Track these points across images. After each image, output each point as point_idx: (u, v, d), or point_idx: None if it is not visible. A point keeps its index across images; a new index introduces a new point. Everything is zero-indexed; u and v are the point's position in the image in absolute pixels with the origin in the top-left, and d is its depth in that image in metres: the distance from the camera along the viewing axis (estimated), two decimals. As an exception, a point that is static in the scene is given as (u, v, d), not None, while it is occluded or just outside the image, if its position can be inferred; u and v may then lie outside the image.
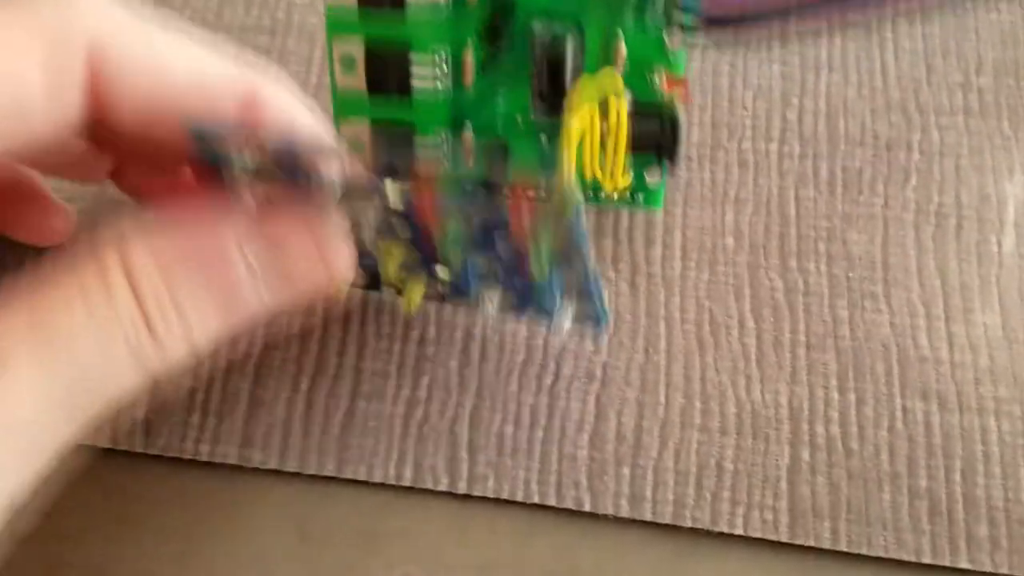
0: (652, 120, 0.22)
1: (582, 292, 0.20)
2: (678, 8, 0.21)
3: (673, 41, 0.21)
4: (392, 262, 0.20)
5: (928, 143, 0.25)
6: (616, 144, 0.21)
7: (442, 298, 0.22)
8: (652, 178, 0.23)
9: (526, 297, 0.20)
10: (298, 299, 0.17)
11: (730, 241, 0.24)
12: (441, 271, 0.20)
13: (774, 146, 0.25)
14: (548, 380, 0.22)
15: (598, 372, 0.22)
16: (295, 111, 0.19)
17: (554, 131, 0.22)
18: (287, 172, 0.17)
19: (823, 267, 0.24)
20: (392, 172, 0.17)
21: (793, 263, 0.24)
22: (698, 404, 0.22)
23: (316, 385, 0.22)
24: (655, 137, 0.22)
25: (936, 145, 0.25)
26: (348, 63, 0.21)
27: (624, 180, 0.22)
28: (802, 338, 0.23)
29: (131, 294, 0.16)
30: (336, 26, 0.21)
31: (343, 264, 0.17)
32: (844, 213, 0.24)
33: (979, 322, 0.23)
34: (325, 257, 0.17)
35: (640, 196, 0.24)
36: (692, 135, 0.25)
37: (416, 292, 0.21)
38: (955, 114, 0.25)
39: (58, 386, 0.15)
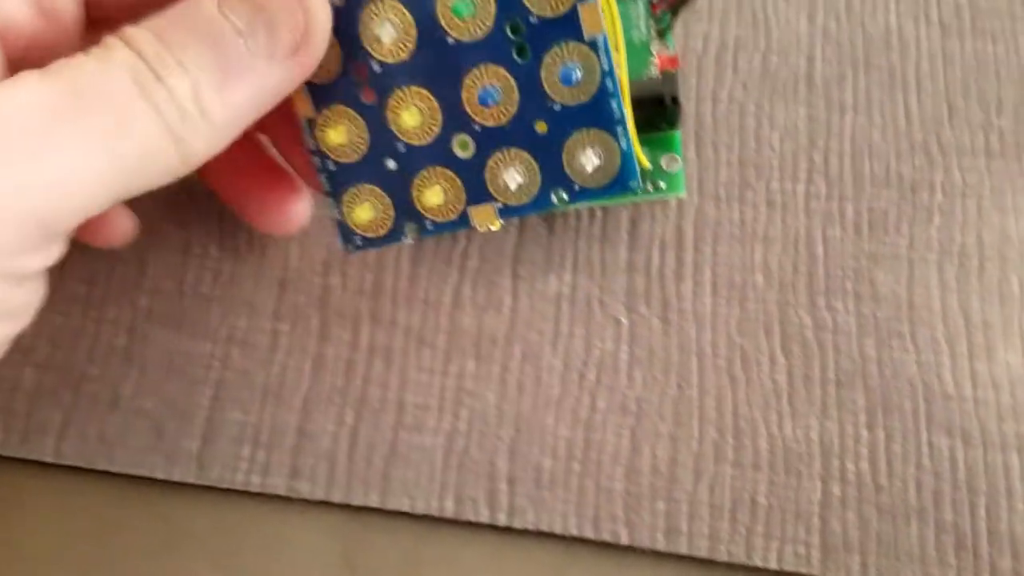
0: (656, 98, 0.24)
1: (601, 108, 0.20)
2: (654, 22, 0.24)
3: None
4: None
5: (951, 184, 0.26)
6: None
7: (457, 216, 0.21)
8: (670, 165, 0.24)
9: (547, 158, 0.20)
10: (287, 53, 0.18)
11: (760, 278, 0.25)
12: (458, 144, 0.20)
13: (801, 186, 0.26)
14: (583, 414, 0.23)
15: (632, 406, 0.23)
16: None
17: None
18: None
19: (851, 306, 0.24)
20: None
21: (821, 301, 0.24)
22: (731, 439, 0.23)
23: (361, 418, 0.23)
24: (660, 114, 0.24)
25: (959, 186, 0.26)
26: None
27: (644, 160, 0.23)
28: (831, 375, 0.23)
29: (129, 50, 0.17)
30: None
31: (324, 14, 0.18)
32: (870, 253, 0.25)
33: (1001, 360, 0.24)
34: (302, 3, 0.18)
35: (662, 183, 0.25)
36: (720, 174, 0.26)
37: (363, 211, 0.21)
38: (977, 155, 0.26)
39: (64, 103, 0.16)
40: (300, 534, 0.22)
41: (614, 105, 0.20)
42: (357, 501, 0.22)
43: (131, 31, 0.17)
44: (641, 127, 0.23)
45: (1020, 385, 0.23)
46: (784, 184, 0.26)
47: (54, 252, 0.17)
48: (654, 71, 0.24)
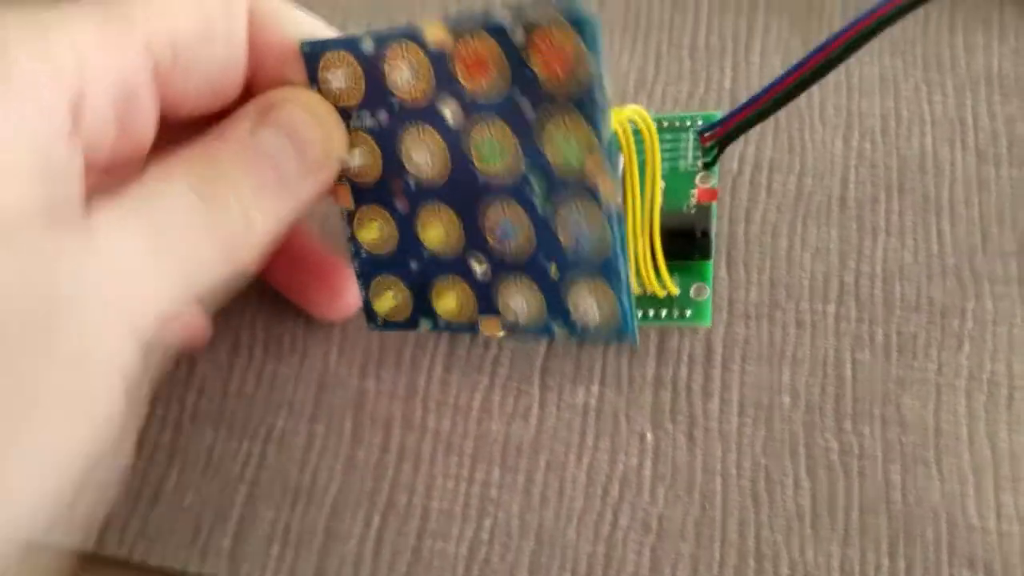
0: (687, 231, 0.24)
1: (607, 256, 0.21)
2: (702, 154, 0.24)
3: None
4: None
5: (982, 310, 0.26)
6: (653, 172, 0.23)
7: (472, 326, 0.23)
8: (699, 294, 0.25)
9: (554, 296, 0.22)
10: (312, 170, 0.20)
11: (787, 399, 0.25)
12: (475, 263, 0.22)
13: (831, 308, 0.26)
14: (605, 529, 0.23)
15: (654, 524, 0.23)
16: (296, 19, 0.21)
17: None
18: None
19: (877, 431, 0.24)
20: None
21: (848, 425, 0.25)
22: (752, 563, 0.23)
23: (386, 522, 0.24)
24: (690, 244, 0.25)
25: (990, 313, 0.26)
26: None
27: (672, 287, 0.24)
28: (855, 501, 0.24)
29: (188, 180, 0.19)
30: None
31: (340, 135, 0.21)
32: (898, 377, 0.25)
33: (1030, 493, 0.23)
34: (324, 127, 0.21)
35: (688, 311, 0.25)
36: (751, 293, 0.26)
37: (386, 299, 0.23)
38: (1009, 283, 0.26)
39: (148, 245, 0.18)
40: (322, 636, 0.23)
41: (621, 268, 0.21)
42: (379, 606, 0.23)
43: (186, 156, 0.19)
44: (673, 255, 0.24)
45: (1049, 520, 0.23)
46: (814, 305, 0.26)
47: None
48: (693, 202, 0.25)
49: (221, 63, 0.20)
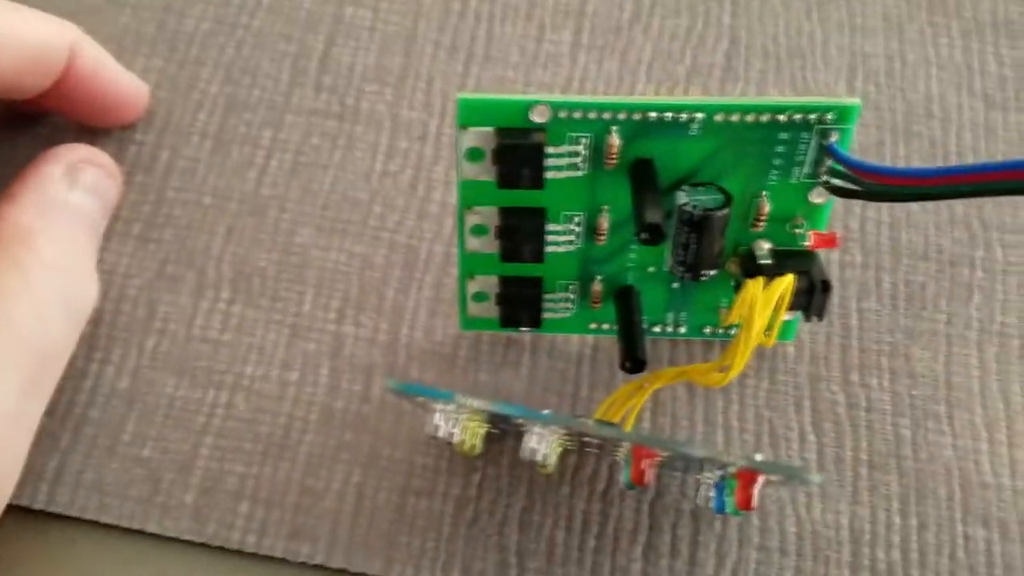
0: (802, 278, 0.20)
1: None
2: (827, 171, 0.20)
3: (817, 197, 0.20)
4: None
5: (992, 260, 0.25)
6: (779, 313, 0.20)
7: None
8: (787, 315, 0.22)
9: None
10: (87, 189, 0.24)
11: (790, 350, 0.24)
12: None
13: (835, 254, 0.25)
14: (601, 485, 0.22)
15: (653, 480, 0.22)
16: (104, 60, 0.25)
17: (690, 285, 0.22)
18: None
19: (886, 383, 0.23)
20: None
21: (855, 377, 0.23)
22: (756, 521, 0.21)
23: (367, 478, 0.22)
24: (805, 296, 0.20)
25: (1000, 263, 0.25)
26: (479, 230, 0.21)
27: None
28: (864, 456, 0.22)
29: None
30: (470, 198, 0.20)
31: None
32: (906, 328, 0.24)
33: (1044, 449, 0.22)
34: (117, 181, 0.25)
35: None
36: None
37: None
38: (1019, 232, 0.25)
39: None
40: (297, 599, 0.21)
41: None
42: (358, 568, 0.21)
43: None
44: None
45: (1063, 477, 0.22)
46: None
47: None
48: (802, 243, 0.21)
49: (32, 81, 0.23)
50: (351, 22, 0.28)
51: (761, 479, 0.19)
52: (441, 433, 0.19)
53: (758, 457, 0.19)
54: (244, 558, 0.21)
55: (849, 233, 0.25)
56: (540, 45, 0.28)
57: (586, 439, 0.20)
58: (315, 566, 0.21)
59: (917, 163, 0.26)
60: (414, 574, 0.21)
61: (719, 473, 0.19)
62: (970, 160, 0.27)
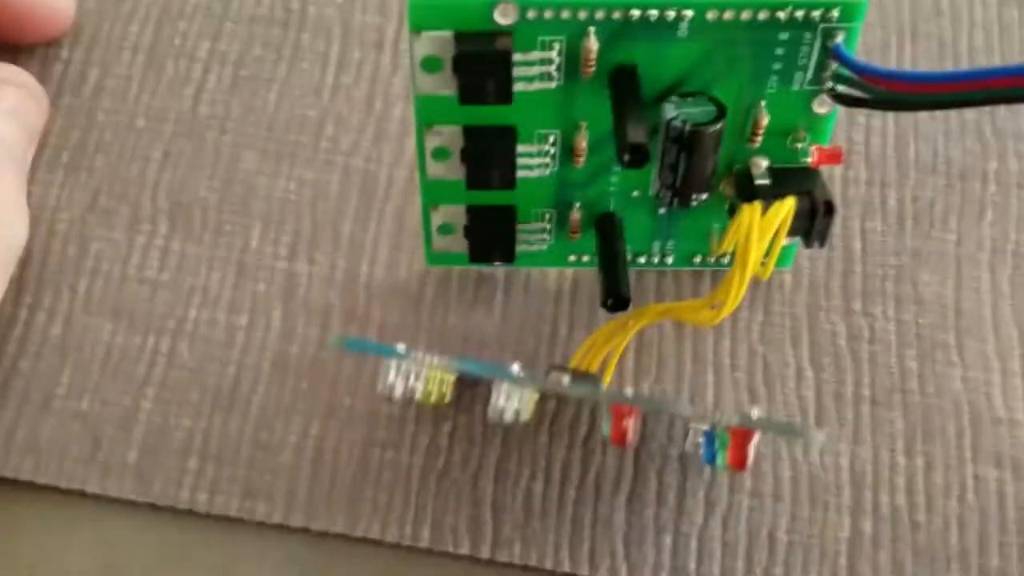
0: (803, 200, 0.18)
1: None
2: (832, 76, 0.17)
3: (820, 106, 0.18)
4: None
5: (1005, 172, 0.23)
6: (777, 242, 0.18)
7: None
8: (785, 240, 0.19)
9: None
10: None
11: (787, 278, 0.22)
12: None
13: (837, 170, 0.23)
14: (582, 431, 0.20)
15: (636, 436, 0.20)
16: None
17: (678, 211, 0.19)
18: None
19: (890, 311, 0.21)
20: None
21: (857, 306, 0.21)
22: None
23: (327, 430, 0.20)
24: (806, 220, 0.18)
25: (1014, 175, 0.23)
26: (441, 153, 0.19)
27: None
28: (866, 392, 0.21)
29: None
30: (430, 116, 0.18)
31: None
32: (913, 250, 0.22)
33: (1060, 380, 0.21)
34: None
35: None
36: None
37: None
38: (1036, 141, 0.23)
39: None
40: (253, 563, 0.19)
41: None
42: (319, 526, 0.19)
43: None
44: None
45: (1080, 409, 0.20)
46: (817, 168, 0.23)
47: None
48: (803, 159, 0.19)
49: None
50: (296, -83, 0.25)
51: (757, 436, 0.17)
52: (398, 393, 0.18)
53: (755, 414, 0.17)
54: (195, 518, 0.20)
55: (853, 146, 0.23)
56: (509, -61, 0.25)
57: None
58: (274, 525, 0.20)
59: (925, 66, 0.24)
60: (381, 531, 0.19)
61: (710, 423, 0.18)
62: (982, 62, 0.24)
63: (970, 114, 0.23)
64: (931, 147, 0.23)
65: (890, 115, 0.23)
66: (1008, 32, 0.24)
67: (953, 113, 0.23)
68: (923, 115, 0.23)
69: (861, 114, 0.23)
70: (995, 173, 0.23)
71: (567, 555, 0.19)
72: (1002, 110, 0.24)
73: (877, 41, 0.24)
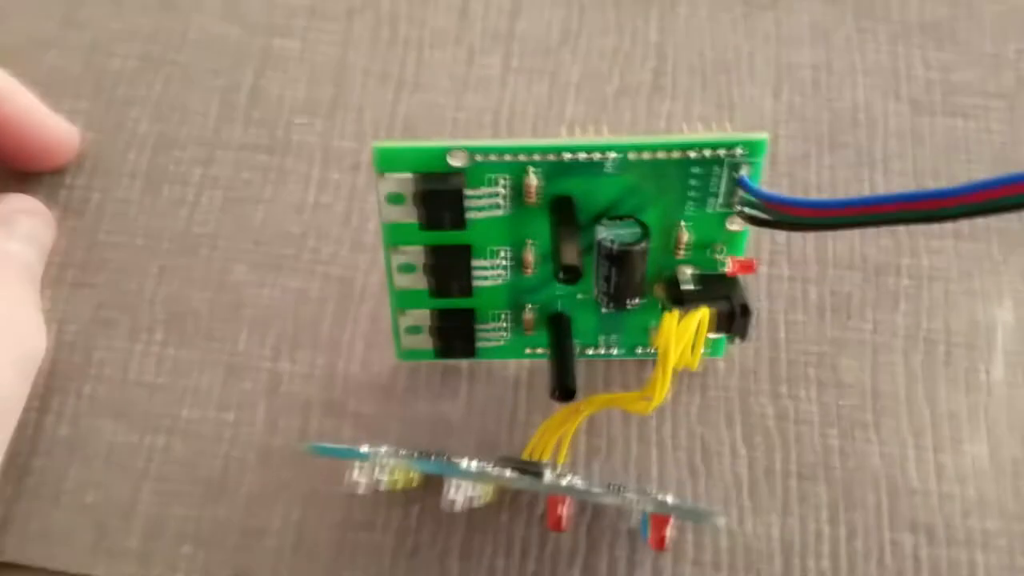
0: (723, 303, 0.20)
1: None
2: (740, 201, 0.20)
3: (733, 224, 0.21)
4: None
5: (917, 267, 0.25)
6: (698, 343, 0.20)
7: None
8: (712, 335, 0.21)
9: None
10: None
11: (721, 365, 0.24)
12: None
13: (764, 268, 0.25)
14: (539, 509, 0.22)
15: (589, 503, 0.22)
16: (32, 104, 0.25)
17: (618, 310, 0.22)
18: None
19: (814, 394, 0.24)
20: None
21: (784, 389, 0.24)
22: (690, 536, 0.22)
23: (307, 515, 0.22)
24: (727, 320, 0.21)
25: (925, 269, 0.25)
26: (407, 268, 0.21)
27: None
28: (793, 467, 0.23)
29: None
30: (395, 239, 0.21)
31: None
32: (833, 338, 0.24)
33: (967, 452, 0.23)
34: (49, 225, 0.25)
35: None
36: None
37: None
38: (944, 237, 0.26)
39: None
40: (242, 638, 0.21)
41: None
42: (301, 603, 0.21)
43: None
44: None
45: (985, 479, 0.23)
46: (747, 266, 0.25)
47: None
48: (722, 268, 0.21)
49: None
50: (279, 53, 0.28)
51: (673, 520, 0.19)
52: (361, 491, 0.20)
53: (669, 501, 0.19)
54: (189, 599, 0.22)
55: (776, 246, 0.26)
56: (470, 69, 0.28)
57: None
58: (259, 604, 0.21)
59: (843, 173, 0.27)
60: (356, 608, 0.21)
61: (637, 509, 0.20)
62: (896, 168, 0.27)
63: (884, 214, 0.26)
64: (848, 245, 0.26)
65: (812, 217, 0.26)
66: (920, 138, 0.27)
67: (869, 213, 0.26)
68: (841, 216, 0.26)
69: (785, 217, 0.26)
70: (908, 267, 0.25)
71: (526, 624, 0.21)
72: (913, 209, 0.26)
73: (799, 152, 0.27)
